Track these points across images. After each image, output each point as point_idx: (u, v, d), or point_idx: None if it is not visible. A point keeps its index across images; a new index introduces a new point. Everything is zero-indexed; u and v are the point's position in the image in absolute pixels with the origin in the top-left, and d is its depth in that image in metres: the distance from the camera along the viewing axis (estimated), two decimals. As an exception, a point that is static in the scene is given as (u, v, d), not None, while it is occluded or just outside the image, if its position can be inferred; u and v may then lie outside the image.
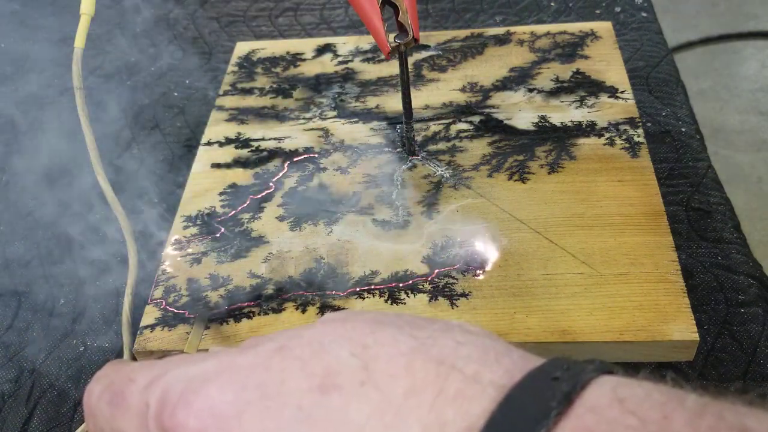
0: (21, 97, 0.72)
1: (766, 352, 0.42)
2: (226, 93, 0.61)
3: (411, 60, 0.61)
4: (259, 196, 0.51)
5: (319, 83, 0.61)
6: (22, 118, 0.69)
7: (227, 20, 0.80)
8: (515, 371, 0.20)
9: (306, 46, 0.65)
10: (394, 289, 0.44)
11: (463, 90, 0.58)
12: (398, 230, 0.47)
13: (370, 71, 0.61)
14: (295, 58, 0.64)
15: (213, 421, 0.21)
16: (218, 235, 0.49)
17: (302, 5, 0.80)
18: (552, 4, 0.75)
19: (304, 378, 0.21)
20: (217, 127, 0.57)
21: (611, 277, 0.43)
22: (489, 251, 0.45)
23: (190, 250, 0.48)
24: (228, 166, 0.54)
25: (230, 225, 0.49)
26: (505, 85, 0.58)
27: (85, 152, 0.47)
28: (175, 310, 0.44)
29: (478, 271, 0.44)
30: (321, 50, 0.64)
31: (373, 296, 0.43)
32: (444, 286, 0.43)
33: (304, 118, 0.57)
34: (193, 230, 0.49)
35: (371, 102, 0.58)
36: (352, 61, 0.63)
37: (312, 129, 0.56)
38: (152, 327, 0.44)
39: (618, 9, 0.73)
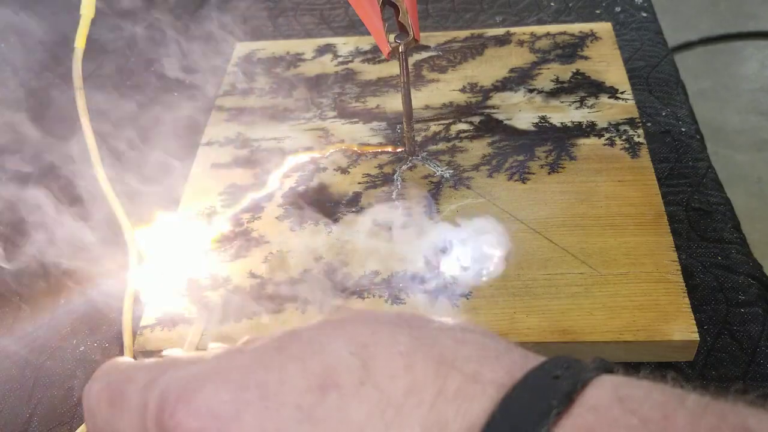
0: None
1: (766, 352, 0.42)
2: (226, 93, 0.61)
3: (411, 60, 0.61)
4: (259, 196, 0.51)
5: (319, 83, 0.61)
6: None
7: (228, 20, 0.80)
8: (515, 370, 0.20)
9: (306, 46, 0.65)
10: (394, 289, 0.44)
11: (463, 90, 0.58)
12: (398, 230, 0.47)
13: (370, 72, 0.61)
14: (296, 59, 0.64)
15: (212, 421, 0.21)
16: (218, 234, 0.49)
17: (302, 5, 0.80)
18: (552, 4, 0.75)
19: (304, 378, 0.21)
20: (217, 127, 0.57)
21: (611, 277, 0.43)
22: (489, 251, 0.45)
23: (190, 250, 0.48)
24: (228, 166, 0.54)
25: (230, 225, 0.49)
26: (505, 85, 0.58)
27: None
28: (175, 310, 0.44)
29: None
30: (321, 51, 0.64)
31: (373, 296, 0.43)
32: (444, 286, 0.43)
33: (304, 118, 0.57)
34: (193, 230, 0.49)
35: (371, 102, 0.58)
36: (352, 61, 0.63)
37: (312, 129, 0.56)
38: (152, 327, 0.44)
39: (618, 9, 0.73)
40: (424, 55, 0.62)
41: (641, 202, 0.47)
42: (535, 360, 0.21)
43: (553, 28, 0.63)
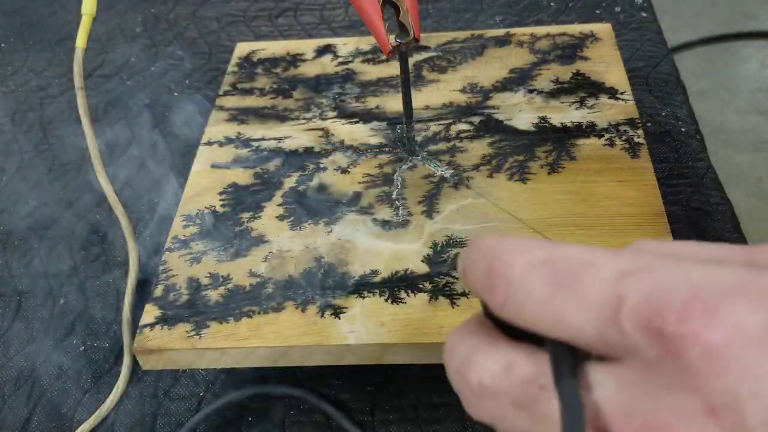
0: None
1: (766, 352, 0.42)
2: (226, 93, 0.61)
3: (411, 61, 0.61)
4: (259, 195, 0.51)
5: (319, 84, 0.61)
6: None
7: (227, 20, 0.80)
8: None
9: (306, 46, 0.65)
10: (394, 288, 0.44)
11: (463, 91, 0.58)
12: (398, 230, 0.47)
13: (371, 72, 0.61)
14: (296, 59, 0.64)
15: (738, 337, 0.18)
16: (218, 234, 0.49)
17: (302, 5, 0.80)
18: (552, 4, 0.75)
19: None
20: (217, 127, 0.57)
21: (611, 277, 0.43)
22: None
23: (190, 250, 0.48)
24: (228, 165, 0.54)
25: (230, 224, 0.49)
26: (505, 86, 0.58)
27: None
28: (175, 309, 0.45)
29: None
30: (321, 51, 0.64)
31: (373, 295, 0.43)
32: (444, 285, 0.44)
33: (304, 118, 0.57)
34: (193, 229, 0.49)
35: (371, 102, 0.58)
36: (352, 61, 0.63)
37: (312, 129, 0.56)
38: (152, 326, 0.44)
39: (618, 9, 0.73)
40: (424, 55, 0.62)
41: (641, 202, 0.47)
42: None
43: (553, 29, 0.63)
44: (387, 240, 0.47)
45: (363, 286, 0.44)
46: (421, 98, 0.57)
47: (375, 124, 0.56)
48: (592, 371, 0.20)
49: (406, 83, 0.48)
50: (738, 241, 0.49)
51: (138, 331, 0.43)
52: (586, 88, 0.56)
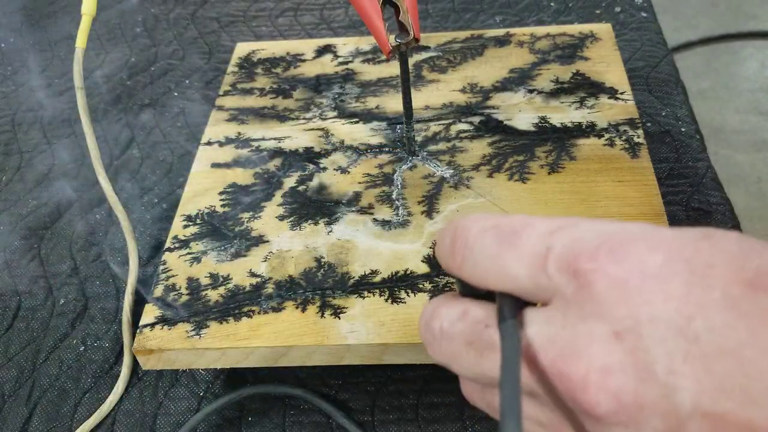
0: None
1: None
2: (226, 93, 0.61)
3: (411, 61, 0.61)
4: (259, 195, 0.51)
5: (319, 84, 0.61)
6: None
7: (227, 20, 0.80)
8: None
9: (306, 46, 0.65)
10: (394, 288, 0.44)
11: (463, 91, 0.58)
12: (398, 230, 0.47)
13: (371, 72, 0.61)
14: (296, 59, 0.64)
15: (637, 276, 0.21)
16: (218, 234, 0.49)
17: (302, 5, 0.80)
18: (552, 4, 0.75)
19: (733, 270, 0.21)
20: (217, 127, 0.57)
21: (611, 277, 0.43)
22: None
23: (189, 249, 0.48)
24: (228, 165, 0.54)
25: (230, 224, 0.49)
26: (505, 86, 0.58)
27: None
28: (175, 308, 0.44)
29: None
30: (321, 51, 0.64)
31: (373, 295, 0.43)
32: (444, 285, 0.44)
33: (304, 119, 0.57)
34: (193, 229, 0.49)
35: (371, 102, 0.58)
36: (352, 62, 0.63)
37: (312, 129, 0.56)
38: (152, 326, 0.44)
39: (618, 9, 0.73)
40: (424, 55, 0.62)
41: (641, 202, 0.47)
42: None
43: (553, 29, 0.63)
44: (387, 240, 0.47)
45: (363, 286, 0.44)
46: (421, 98, 0.57)
47: (375, 124, 0.56)
48: (529, 314, 0.23)
49: (406, 83, 0.48)
50: (738, 241, 0.49)
51: (138, 331, 0.43)
52: (586, 88, 0.56)
